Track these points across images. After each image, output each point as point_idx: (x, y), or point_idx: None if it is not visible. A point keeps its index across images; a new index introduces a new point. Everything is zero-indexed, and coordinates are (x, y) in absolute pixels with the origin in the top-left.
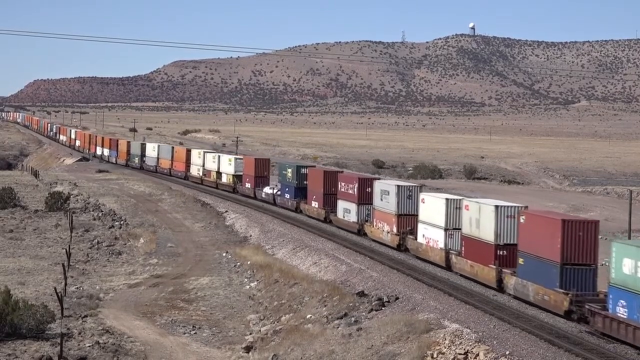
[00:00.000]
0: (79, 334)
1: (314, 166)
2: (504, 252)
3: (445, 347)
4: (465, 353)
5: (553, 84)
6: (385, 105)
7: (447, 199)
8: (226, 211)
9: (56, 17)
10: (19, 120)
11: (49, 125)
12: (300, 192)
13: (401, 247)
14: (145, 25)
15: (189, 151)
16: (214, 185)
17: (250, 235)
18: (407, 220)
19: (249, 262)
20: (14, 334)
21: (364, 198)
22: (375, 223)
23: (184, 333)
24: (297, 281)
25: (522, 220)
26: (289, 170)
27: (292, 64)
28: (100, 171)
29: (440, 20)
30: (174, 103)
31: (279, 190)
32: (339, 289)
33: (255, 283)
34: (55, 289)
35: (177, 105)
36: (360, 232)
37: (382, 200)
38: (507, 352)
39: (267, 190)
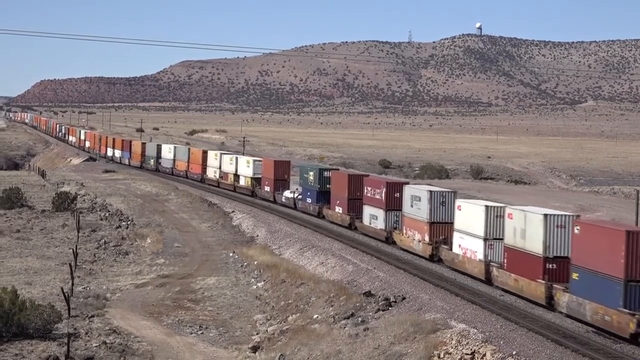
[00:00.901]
0: (86, 334)
1: (337, 169)
2: (554, 265)
3: (452, 347)
4: (472, 353)
5: (560, 84)
6: (392, 105)
7: (486, 206)
8: (233, 211)
9: (63, 18)
10: (27, 121)
11: (57, 126)
12: (323, 197)
13: (434, 258)
14: (152, 26)
15: (205, 152)
16: (232, 189)
17: (257, 235)
18: (441, 229)
19: (255, 262)
20: (21, 334)
21: (393, 204)
22: (405, 231)
23: (191, 333)
24: (304, 281)
25: (576, 231)
26: (311, 173)
27: (299, 64)
28: (107, 171)
29: (447, 20)
30: (180, 103)
31: (300, 194)
32: (346, 289)
33: (262, 283)
34: (62, 289)
35: (184, 106)
36: (389, 241)
37: (412, 206)
38: (514, 352)
39: (287, 194)
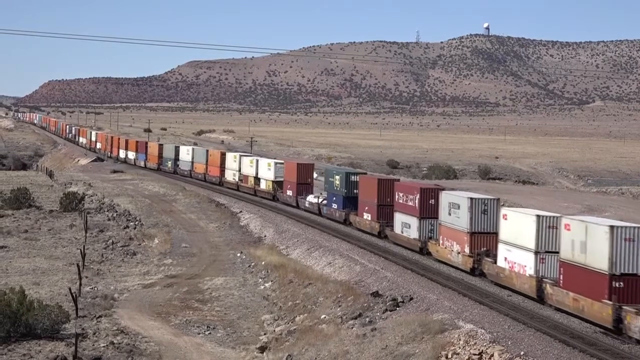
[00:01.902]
0: (94, 334)
1: (365, 173)
2: (621, 283)
3: (459, 348)
4: (480, 353)
5: (567, 84)
6: (400, 106)
7: (538, 216)
8: (240, 211)
9: (71, 18)
10: (35, 121)
11: (67, 127)
12: (350, 202)
13: (475, 271)
14: (160, 26)
15: (223, 154)
16: (252, 192)
17: (265, 236)
18: (483, 239)
19: (263, 263)
20: (29, 334)
21: (427, 211)
22: (441, 241)
23: (199, 333)
24: (312, 281)
25: None
26: (337, 177)
27: (307, 64)
28: (114, 171)
29: (454, 20)
30: (188, 103)
31: (324, 199)
32: (354, 290)
33: (270, 283)
34: (69, 289)
35: (192, 106)
36: (423, 251)
37: (450, 214)
38: (522, 353)
39: (311, 199)
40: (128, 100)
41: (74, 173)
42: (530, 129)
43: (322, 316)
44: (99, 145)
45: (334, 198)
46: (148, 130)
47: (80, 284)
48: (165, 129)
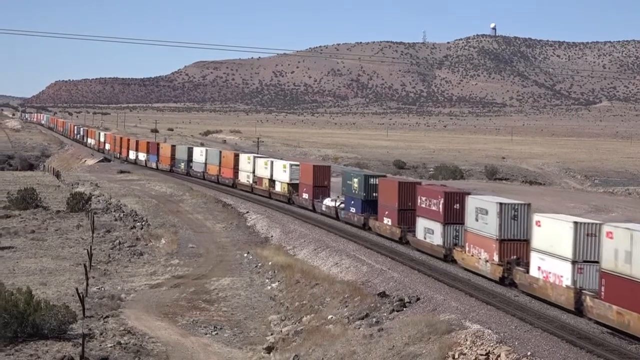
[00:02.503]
0: (101, 334)
1: (385, 176)
2: None
3: (466, 348)
4: (487, 354)
5: (574, 85)
6: (406, 106)
7: (575, 223)
8: (247, 212)
9: (77, 18)
10: (43, 122)
11: (75, 127)
12: (369, 206)
13: (505, 281)
14: (166, 26)
15: (236, 156)
16: (267, 195)
17: (272, 236)
18: (513, 247)
19: (270, 263)
20: (36, 335)
21: (452, 216)
22: (468, 248)
23: (206, 334)
24: (319, 282)
25: None
26: (355, 180)
27: (313, 64)
28: (121, 172)
29: (461, 21)
30: (195, 104)
31: (342, 203)
32: (360, 290)
33: (277, 284)
34: (76, 289)
35: (198, 106)
36: (448, 258)
37: (477, 220)
38: (529, 353)
39: (328, 202)
40: (135, 100)
41: (80, 173)
42: (537, 130)
43: (329, 316)
44: (107, 147)
45: (352, 202)
46: (155, 131)
47: (87, 284)
48: (172, 130)
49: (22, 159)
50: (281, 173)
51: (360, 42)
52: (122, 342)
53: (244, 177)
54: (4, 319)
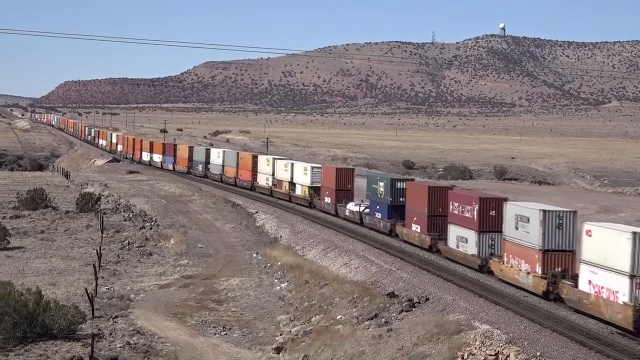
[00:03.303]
0: (110, 334)
1: (413, 179)
2: None
3: (476, 349)
4: (496, 354)
5: (584, 85)
6: (416, 106)
7: (635, 234)
8: (257, 212)
9: (87, 19)
10: (53, 123)
11: (86, 129)
12: (396, 212)
13: (550, 295)
14: (176, 27)
15: (255, 157)
16: (287, 199)
17: (281, 236)
18: (558, 258)
19: (279, 263)
20: (46, 335)
21: (488, 224)
22: (507, 259)
23: (215, 334)
24: (328, 282)
25: None
26: (381, 184)
27: (323, 65)
28: (131, 172)
29: (470, 21)
30: (204, 104)
31: (367, 208)
32: (370, 290)
33: (286, 284)
34: (86, 289)
35: (208, 107)
36: (484, 270)
37: (517, 228)
38: (539, 354)
39: (352, 207)
40: (144, 101)
41: (90, 174)
42: (547, 130)
43: (339, 317)
44: (119, 148)
45: (378, 207)
46: (164, 131)
47: (97, 285)
48: (181, 130)
49: (32, 159)
50: (302, 176)
51: (370, 43)
52: (132, 342)
53: (263, 180)
54: (13, 319)
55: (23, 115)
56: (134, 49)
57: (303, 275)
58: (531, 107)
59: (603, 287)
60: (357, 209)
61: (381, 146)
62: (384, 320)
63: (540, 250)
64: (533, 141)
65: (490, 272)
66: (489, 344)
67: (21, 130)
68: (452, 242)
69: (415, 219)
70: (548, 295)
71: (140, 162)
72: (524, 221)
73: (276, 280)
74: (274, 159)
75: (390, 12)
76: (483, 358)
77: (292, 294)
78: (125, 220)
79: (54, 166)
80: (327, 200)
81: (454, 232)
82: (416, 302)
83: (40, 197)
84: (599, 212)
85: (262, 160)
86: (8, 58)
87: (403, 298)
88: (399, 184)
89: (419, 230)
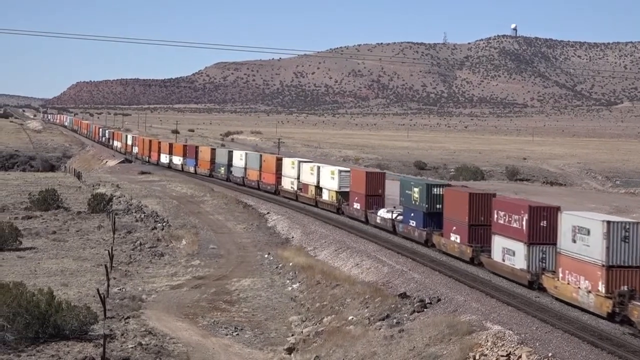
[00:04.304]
0: (122, 335)
1: (450, 184)
2: None
3: (487, 349)
4: (508, 355)
5: (595, 85)
6: (427, 107)
7: None
8: (268, 212)
9: (99, 20)
10: (66, 124)
11: (100, 130)
12: (432, 220)
13: (616, 317)
14: (187, 28)
15: (279, 160)
16: (313, 203)
17: (292, 237)
18: (624, 275)
19: (290, 264)
20: (58, 335)
21: (539, 235)
22: (562, 275)
23: (226, 334)
24: (339, 283)
25: None
26: (416, 189)
27: (334, 65)
28: (142, 173)
29: (482, 22)
30: (215, 105)
31: (399, 215)
32: (381, 291)
33: (297, 284)
34: (97, 290)
35: (219, 107)
36: (534, 285)
37: (575, 241)
38: (550, 354)
39: (383, 213)
40: (155, 101)
41: (101, 174)
42: (558, 130)
43: (350, 317)
44: (135, 149)
45: (412, 214)
46: (176, 132)
47: (108, 285)
48: (192, 130)
49: (44, 160)
50: (329, 180)
51: (381, 43)
52: (143, 342)
53: (288, 184)
54: (25, 319)
55: (35, 115)
56: (145, 50)
57: (314, 276)
58: (543, 108)
59: None
60: (389, 215)
61: (392, 147)
62: (395, 320)
63: (603, 265)
64: (544, 141)
65: (542, 289)
66: (500, 344)
67: (33, 131)
68: (496, 255)
69: (454, 228)
70: (613, 317)
71: (158, 164)
72: (583, 233)
73: (287, 281)
74: (299, 162)
75: (401, 12)
76: (495, 358)
77: (304, 295)
78: (137, 221)
79: (65, 167)
80: (356, 206)
81: (499, 243)
82: (427, 303)
83: (52, 198)
84: (611, 213)
85: (287, 162)
86: (20, 59)
87: (414, 298)
88: (436, 189)
89: (458, 241)
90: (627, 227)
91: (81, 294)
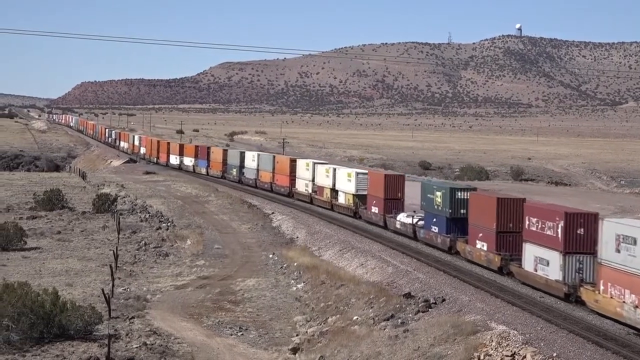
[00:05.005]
0: (127, 335)
1: (475, 189)
2: None
3: (492, 349)
4: (512, 355)
5: (600, 85)
6: (432, 107)
7: None
8: (272, 212)
9: (103, 20)
10: (71, 124)
11: (106, 130)
12: (456, 226)
13: None
14: (192, 28)
15: (293, 161)
16: (328, 207)
17: (297, 237)
18: None
19: (295, 264)
20: (62, 335)
21: (575, 244)
22: (604, 288)
23: (231, 334)
24: (344, 283)
25: None
26: (439, 193)
27: (339, 65)
28: (147, 173)
29: (486, 21)
30: (220, 105)
31: (420, 220)
32: (386, 291)
33: (302, 284)
34: (102, 290)
35: (224, 107)
36: (571, 298)
37: (619, 251)
38: (555, 354)
39: (403, 218)
40: (160, 101)
41: (106, 174)
42: (563, 130)
43: (355, 317)
44: (142, 150)
45: (434, 219)
46: (180, 132)
47: (113, 285)
48: (197, 131)
49: (48, 160)
50: (345, 182)
51: (386, 43)
52: (148, 342)
53: (302, 186)
54: (30, 319)
55: (39, 115)
56: (150, 50)
57: (319, 276)
58: (547, 108)
59: None
60: (409, 220)
61: (397, 147)
62: (400, 320)
63: None
64: (549, 141)
65: (580, 302)
66: (505, 344)
67: (37, 131)
68: (528, 264)
69: (481, 234)
70: None
71: (168, 165)
72: (629, 242)
73: (292, 281)
74: (314, 163)
75: (406, 12)
76: (499, 358)
77: (308, 295)
78: (142, 221)
79: (70, 167)
80: (374, 210)
81: (531, 252)
82: (432, 303)
83: (57, 198)
84: (616, 213)
85: (301, 164)
86: (24, 59)
87: (419, 298)
88: (460, 194)
89: (485, 248)
90: None
91: (86, 294)
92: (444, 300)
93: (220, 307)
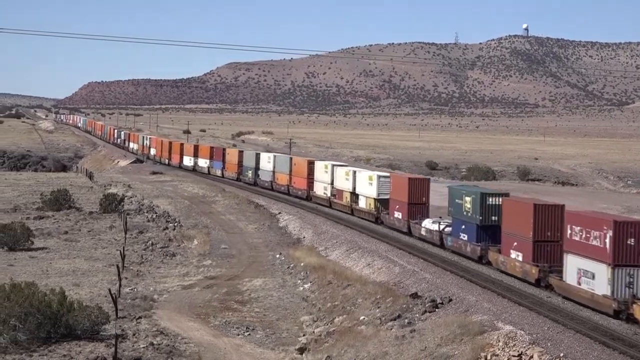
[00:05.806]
0: (134, 335)
1: (508, 194)
2: None
3: (499, 349)
4: (519, 355)
5: (607, 85)
6: (439, 107)
7: None
8: (279, 212)
9: (111, 20)
10: (79, 125)
11: (115, 131)
12: (487, 234)
13: None
14: (199, 28)
15: (311, 163)
16: (348, 211)
17: (304, 237)
18: None
19: (302, 264)
20: (69, 335)
21: (625, 255)
22: None
23: (238, 334)
24: (351, 282)
25: None
26: (468, 198)
27: (345, 65)
28: (154, 173)
29: (493, 22)
30: (227, 105)
31: (447, 226)
32: (393, 291)
33: (309, 284)
34: (109, 290)
35: (231, 107)
36: (621, 315)
37: None
38: (562, 354)
39: (429, 224)
40: (167, 101)
41: (113, 174)
42: (570, 130)
43: (361, 317)
44: (152, 152)
45: (463, 226)
46: (187, 132)
47: (120, 285)
48: (204, 131)
49: (55, 160)
50: (366, 186)
51: (393, 43)
52: (155, 342)
53: (321, 189)
54: (37, 319)
55: (47, 116)
56: (157, 50)
57: (326, 276)
58: (554, 108)
59: None
60: (435, 227)
61: (404, 147)
62: (406, 320)
63: None
64: (556, 142)
65: (633, 320)
66: (512, 344)
67: (44, 131)
68: (570, 277)
69: (515, 243)
70: None
71: (181, 166)
72: None
73: (299, 281)
74: (333, 165)
75: (413, 12)
76: (506, 358)
77: (315, 295)
78: (149, 221)
79: (77, 167)
80: (397, 215)
81: (573, 264)
82: (439, 303)
83: (64, 198)
84: (622, 213)
85: (319, 166)
86: (32, 59)
87: (426, 298)
88: (491, 199)
89: (520, 259)
90: None
91: (93, 294)
92: (450, 300)
93: (227, 307)
